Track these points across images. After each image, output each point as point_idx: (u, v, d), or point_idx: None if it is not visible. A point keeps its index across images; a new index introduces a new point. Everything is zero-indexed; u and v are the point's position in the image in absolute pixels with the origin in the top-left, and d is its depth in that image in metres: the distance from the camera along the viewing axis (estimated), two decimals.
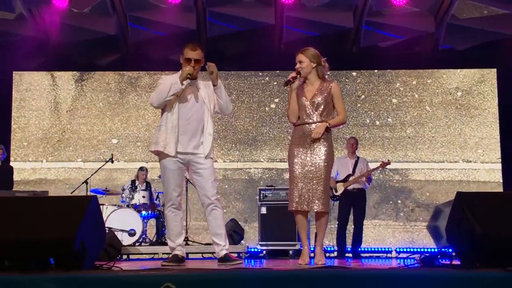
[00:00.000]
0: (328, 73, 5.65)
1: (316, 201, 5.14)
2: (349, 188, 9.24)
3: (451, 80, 12.23)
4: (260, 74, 12.22)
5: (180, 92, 5.25)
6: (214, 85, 5.35)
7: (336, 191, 9.19)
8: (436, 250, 10.64)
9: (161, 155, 5.33)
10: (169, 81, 5.27)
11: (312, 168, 5.19)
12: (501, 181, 11.76)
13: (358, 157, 9.53)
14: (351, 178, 9.26)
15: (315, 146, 5.22)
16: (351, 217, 9.41)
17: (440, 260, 4.35)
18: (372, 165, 9.69)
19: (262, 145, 12.04)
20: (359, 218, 9.34)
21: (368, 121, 12.11)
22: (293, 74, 5.27)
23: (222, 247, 5.37)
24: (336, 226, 9.42)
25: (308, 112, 5.26)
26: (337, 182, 9.24)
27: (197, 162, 5.32)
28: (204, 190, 5.34)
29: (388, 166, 9.81)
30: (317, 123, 5.24)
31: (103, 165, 10.45)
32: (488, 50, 11.60)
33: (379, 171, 10.60)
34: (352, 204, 9.31)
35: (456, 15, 10.88)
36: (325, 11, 10.82)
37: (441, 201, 11.66)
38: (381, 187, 11.82)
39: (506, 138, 11.82)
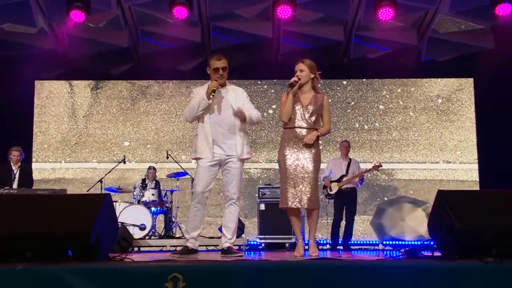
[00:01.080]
0: (321, 82, 5.65)
1: (307, 199, 5.16)
2: (342, 187, 9.24)
3: (432, 89, 12.27)
4: (259, 82, 12.24)
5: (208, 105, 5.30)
6: (243, 121, 5.38)
7: (331, 190, 9.20)
8: (419, 243, 10.63)
9: (199, 160, 5.37)
10: (199, 95, 5.30)
11: (302, 170, 5.21)
12: (478, 180, 11.80)
13: (350, 159, 9.54)
14: (345, 179, 9.26)
15: (304, 150, 5.24)
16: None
17: (422, 252, 4.35)
18: (363, 166, 9.70)
19: (261, 148, 12.06)
20: (350, 214, 9.35)
21: (357, 125, 12.13)
22: (295, 78, 5.28)
23: (228, 239, 5.35)
24: (332, 221, 9.43)
25: (302, 117, 5.27)
26: (332, 181, 9.25)
27: (230, 161, 5.36)
28: (228, 187, 5.39)
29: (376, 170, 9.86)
30: (308, 129, 5.26)
31: (116, 166, 10.45)
32: (466, 61, 11.65)
33: (370, 172, 10.59)
34: (345, 202, 9.31)
35: (437, 30, 10.91)
36: (318, 26, 10.82)
37: (423, 198, 11.67)
38: (369, 186, 11.83)
39: (482, 141, 11.88)
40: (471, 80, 12.19)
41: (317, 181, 5.31)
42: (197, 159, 5.38)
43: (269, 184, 10.29)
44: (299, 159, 5.23)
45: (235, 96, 5.45)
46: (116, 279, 3.31)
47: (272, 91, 12.06)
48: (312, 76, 5.35)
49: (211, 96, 5.21)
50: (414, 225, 9.85)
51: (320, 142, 5.48)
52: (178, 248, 5.36)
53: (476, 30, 10.83)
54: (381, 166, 9.69)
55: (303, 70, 5.32)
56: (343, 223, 9.45)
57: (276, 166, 11.70)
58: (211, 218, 11.26)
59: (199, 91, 5.40)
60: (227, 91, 5.45)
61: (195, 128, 5.55)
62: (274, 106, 11.92)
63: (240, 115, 5.31)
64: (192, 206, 5.34)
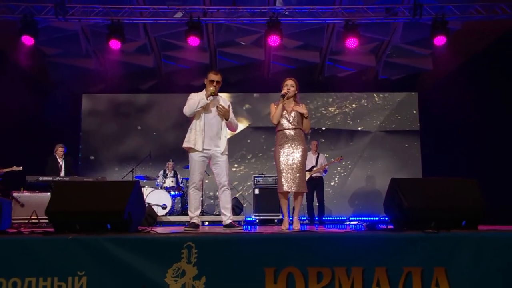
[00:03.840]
0: (302, 94, 5.64)
1: (297, 185, 5.15)
2: (313, 175, 9.24)
3: (387, 100, 12.32)
4: (254, 95, 12.24)
5: (205, 105, 5.23)
6: (226, 120, 5.31)
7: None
8: (377, 219, 10.67)
9: (190, 150, 5.25)
10: (198, 97, 5.25)
11: (293, 162, 5.18)
12: (421, 169, 11.90)
13: (318, 153, 9.54)
14: (315, 169, 9.27)
15: (294, 146, 5.22)
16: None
17: (379, 226, 4.36)
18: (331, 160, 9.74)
19: (256, 147, 12.09)
20: (321, 196, 9.34)
21: (331, 127, 12.17)
22: (285, 91, 5.27)
23: (228, 217, 5.32)
24: (306, 202, 9.43)
25: (288, 121, 5.27)
26: (305, 171, 9.24)
27: (217, 156, 5.26)
28: (220, 177, 5.28)
29: (343, 161, 9.90)
30: (294, 129, 5.26)
31: (143, 159, 10.47)
32: (412, 79, 11.78)
33: (339, 165, 10.58)
34: (315, 187, 9.29)
35: (390, 55, 10.95)
36: (300, 51, 10.84)
37: (382, 185, 11.72)
38: (340, 176, 11.87)
39: (424, 140, 12.02)
40: (416, 94, 12.28)
41: (304, 170, 5.30)
42: (188, 148, 5.25)
43: (262, 174, 10.29)
44: (290, 154, 5.21)
45: (224, 104, 5.40)
46: (144, 247, 3.31)
47: (264, 102, 12.07)
48: (296, 91, 5.37)
49: (209, 98, 5.20)
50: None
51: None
52: (187, 227, 5.25)
53: (420, 55, 10.89)
54: (342, 158, 9.72)
55: (293, 86, 5.32)
56: (315, 204, 9.47)
57: (266, 160, 11.78)
58: (217, 201, 11.27)
59: (195, 95, 5.34)
60: (218, 100, 5.44)
61: (190, 123, 5.37)
62: (266, 113, 11.94)
63: (221, 110, 5.25)
64: (192, 192, 5.25)
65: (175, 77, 11.58)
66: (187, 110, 5.28)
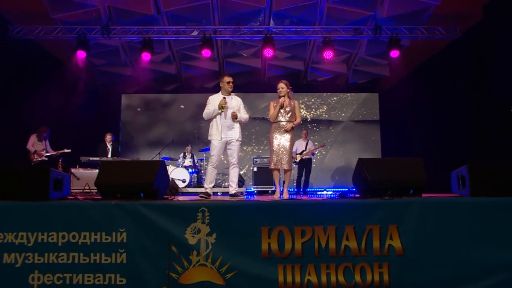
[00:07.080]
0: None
1: (285, 163, 5.17)
2: (303, 158, 9.25)
3: (355, 98, 12.29)
4: (253, 95, 12.18)
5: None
6: (234, 119, 5.30)
7: (296, 159, 9.19)
8: (347, 189, 10.73)
9: (213, 138, 5.30)
10: (214, 103, 5.25)
11: (283, 146, 5.20)
12: (380, 151, 11.89)
13: (308, 140, 9.54)
14: (304, 152, 9.27)
15: (284, 134, 5.24)
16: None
17: (349, 195, 4.38)
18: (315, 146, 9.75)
19: (253, 134, 12.07)
20: (307, 173, 9.33)
21: (313, 119, 12.14)
22: (284, 103, 5.25)
23: (234, 188, 5.34)
24: (296, 178, 9.45)
25: (282, 115, 5.27)
26: (297, 154, 9.25)
27: (231, 142, 5.30)
28: (232, 157, 5.30)
29: (322, 148, 9.94)
30: (286, 122, 5.26)
31: (167, 145, 10.47)
32: (374, 83, 11.73)
33: (323, 150, 10.52)
34: (304, 166, 9.30)
35: (358, 64, 10.91)
36: (288, 61, 10.78)
37: (351, 163, 11.73)
38: (319, 156, 11.87)
39: (382, 128, 11.99)
40: (376, 94, 12.24)
41: (291, 152, 5.31)
42: (211, 139, 5.31)
43: (259, 155, 10.30)
44: (281, 140, 5.22)
45: (236, 102, 5.41)
46: (168, 210, 3.33)
47: (261, 100, 12.04)
48: (288, 90, 5.33)
49: (220, 111, 5.23)
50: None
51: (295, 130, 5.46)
52: (201, 193, 5.25)
53: (379, 65, 10.85)
54: (324, 145, 9.71)
55: (283, 87, 5.31)
56: (302, 179, 9.49)
57: (262, 145, 11.77)
58: (224, 177, 11.30)
59: (213, 98, 5.33)
60: (232, 98, 5.42)
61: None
62: (261, 109, 11.92)
63: (233, 115, 5.28)
64: (210, 168, 5.27)
65: (192, 81, 11.53)
66: (205, 116, 5.31)
